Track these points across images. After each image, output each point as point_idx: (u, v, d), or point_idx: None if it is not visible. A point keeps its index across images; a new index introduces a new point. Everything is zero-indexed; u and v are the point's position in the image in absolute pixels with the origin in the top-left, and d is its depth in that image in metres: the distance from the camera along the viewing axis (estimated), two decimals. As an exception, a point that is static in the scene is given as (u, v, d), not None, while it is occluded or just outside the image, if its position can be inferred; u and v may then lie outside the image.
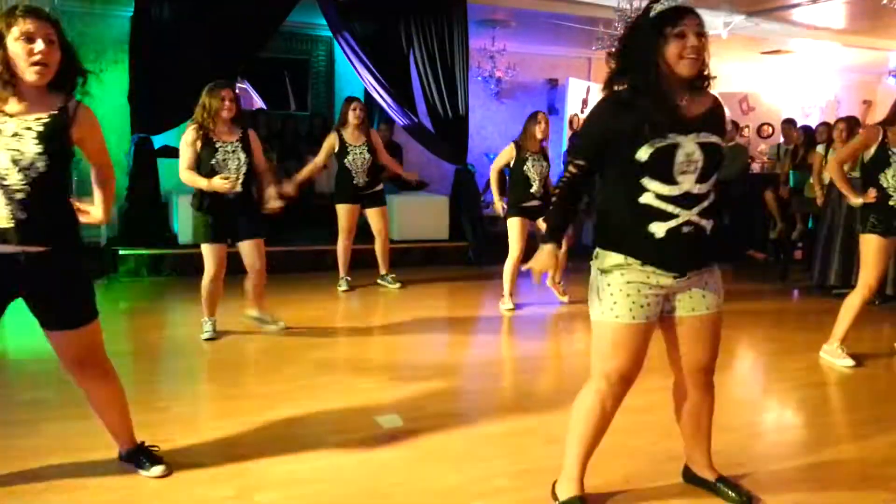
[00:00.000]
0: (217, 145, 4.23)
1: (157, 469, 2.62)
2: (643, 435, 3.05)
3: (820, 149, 6.95)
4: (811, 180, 7.09)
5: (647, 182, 2.13)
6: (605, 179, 2.28)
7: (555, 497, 2.45)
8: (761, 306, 6.06)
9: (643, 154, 2.10)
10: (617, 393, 2.29)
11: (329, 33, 8.31)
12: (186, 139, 4.25)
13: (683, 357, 2.36)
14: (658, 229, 2.14)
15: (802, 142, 7.85)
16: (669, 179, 2.12)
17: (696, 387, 2.42)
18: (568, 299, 5.84)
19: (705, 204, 2.18)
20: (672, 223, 2.14)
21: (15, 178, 2.20)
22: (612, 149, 2.18)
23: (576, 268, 7.90)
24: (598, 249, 2.29)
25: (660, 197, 2.13)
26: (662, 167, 2.12)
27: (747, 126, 11.04)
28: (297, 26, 8.54)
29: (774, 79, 11.65)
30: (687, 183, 2.14)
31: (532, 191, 5.38)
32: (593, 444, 2.36)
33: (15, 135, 2.21)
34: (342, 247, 6.09)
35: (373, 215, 6.12)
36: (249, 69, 8.55)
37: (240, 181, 4.26)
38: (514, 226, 5.45)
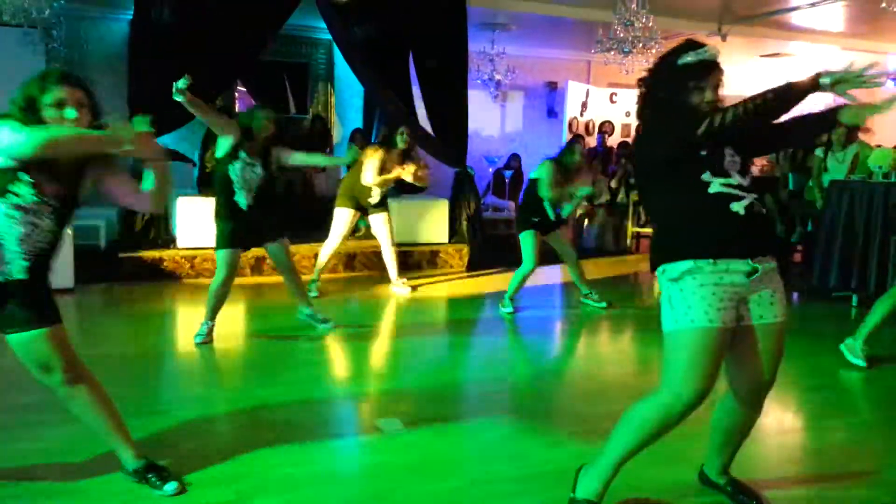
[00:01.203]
0: (239, 155, 4.35)
1: (171, 487, 2.51)
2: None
3: (819, 152, 6.96)
4: (810, 183, 7.10)
5: (709, 178, 2.21)
6: (662, 191, 2.31)
7: (574, 482, 2.43)
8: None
9: (703, 149, 2.21)
10: (685, 412, 2.20)
11: (329, 36, 8.32)
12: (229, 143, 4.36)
13: (745, 373, 2.33)
14: (739, 207, 2.20)
15: (802, 145, 7.85)
16: (724, 173, 2.22)
17: (747, 405, 2.39)
18: (607, 304, 5.71)
19: (755, 191, 2.27)
20: (745, 202, 2.21)
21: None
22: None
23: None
24: (663, 266, 2.27)
25: (725, 185, 2.21)
26: (718, 161, 2.22)
27: (746, 129, 11.03)
28: (297, 29, 8.55)
29: (774, 81, 11.64)
30: (735, 177, 2.23)
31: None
32: (637, 452, 2.33)
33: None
34: (331, 251, 5.99)
35: (376, 221, 6.05)
36: (249, 72, 8.56)
37: (252, 193, 4.39)
38: (529, 239, 5.36)
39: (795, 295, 6.66)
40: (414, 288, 6.27)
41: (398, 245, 6.61)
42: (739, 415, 2.43)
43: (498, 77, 9.49)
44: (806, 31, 9.08)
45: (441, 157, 7.86)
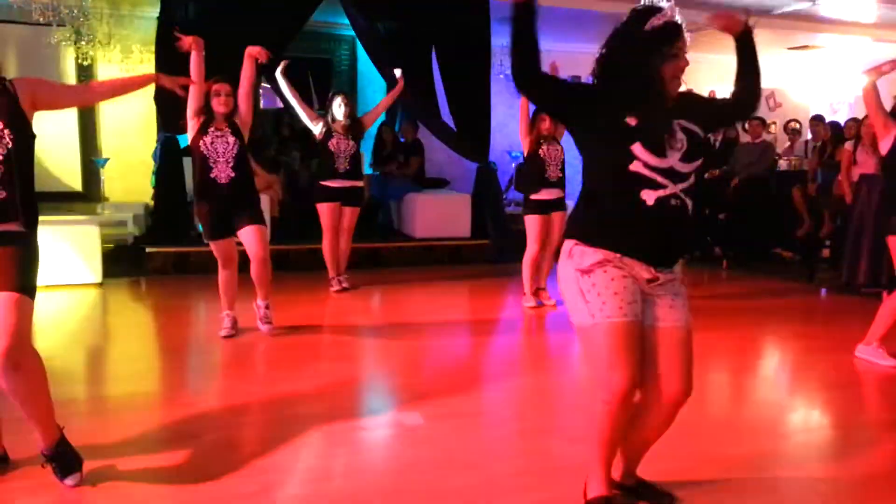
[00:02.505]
0: (209, 129, 4.37)
1: (71, 479, 2.49)
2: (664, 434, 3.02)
3: (848, 145, 6.84)
4: (839, 177, 6.98)
5: (637, 150, 2.09)
6: (589, 157, 2.22)
7: (585, 494, 2.44)
8: (789, 305, 5.97)
9: (634, 118, 2.09)
10: (626, 404, 2.17)
11: (352, 32, 8.35)
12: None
13: (660, 381, 2.22)
14: (648, 197, 2.10)
15: (830, 138, 7.73)
16: (659, 150, 2.09)
17: (660, 415, 2.28)
18: (555, 302, 5.53)
19: (688, 183, 2.16)
20: (661, 192, 2.10)
21: None
22: (601, 114, 2.13)
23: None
24: (574, 246, 2.21)
25: (648, 167, 2.10)
26: (653, 134, 2.10)
27: (774, 122, 10.88)
28: (321, 26, 8.59)
29: (802, 74, 11.47)
30: (672, 158, 2.12)
31: (547, 176, 5.30)
32: (614, 447, 2.33)
33: None
34: (327, 247, 5.93)
35: (345, 213, 5.95)
36: (273, 68, 8.62)
37: (231, 165, 4.32)
38: (533, 223, 5.37)
39: (824, 291, 6.57)
40: (346, 288, 5.98)
41: (421, 240, 6.59)
42: (648, 420, 2.30)
43: (521, 71, 9.44)
44: (836, 23, 8.90)
45: (464, 153, 7.86)
